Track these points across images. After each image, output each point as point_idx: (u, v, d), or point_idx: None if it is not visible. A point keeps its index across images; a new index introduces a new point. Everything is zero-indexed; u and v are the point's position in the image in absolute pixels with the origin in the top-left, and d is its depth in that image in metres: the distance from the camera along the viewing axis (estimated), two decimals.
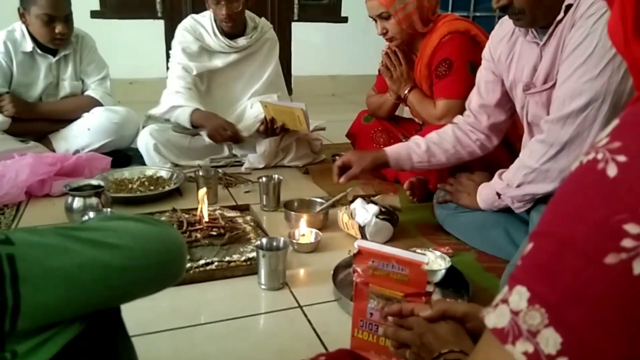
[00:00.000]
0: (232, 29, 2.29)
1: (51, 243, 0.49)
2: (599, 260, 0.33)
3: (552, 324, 0.34)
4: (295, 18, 4.28)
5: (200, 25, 2.32)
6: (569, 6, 1.26)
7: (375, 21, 1.93)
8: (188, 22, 2.35)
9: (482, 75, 1.59)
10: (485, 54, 1.58)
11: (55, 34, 2.13)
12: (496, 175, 1.47)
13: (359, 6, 4.34)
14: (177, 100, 2.21)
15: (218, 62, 2.34)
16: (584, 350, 0.33)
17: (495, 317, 0.37)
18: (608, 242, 0.33)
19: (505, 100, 1.56)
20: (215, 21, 2.31)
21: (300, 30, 4.32)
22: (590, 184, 0.36)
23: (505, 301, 0.37)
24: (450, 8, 4.25)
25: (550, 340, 0.34)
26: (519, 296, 0.36)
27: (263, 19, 2.46)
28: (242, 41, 2.33)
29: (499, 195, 1.45)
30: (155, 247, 0.57)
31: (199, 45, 2.30)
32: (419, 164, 1.65)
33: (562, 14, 1.27)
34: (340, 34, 4.42)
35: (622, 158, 0.35)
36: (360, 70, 4.55)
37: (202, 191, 1.59)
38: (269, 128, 2.19)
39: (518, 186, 1.36)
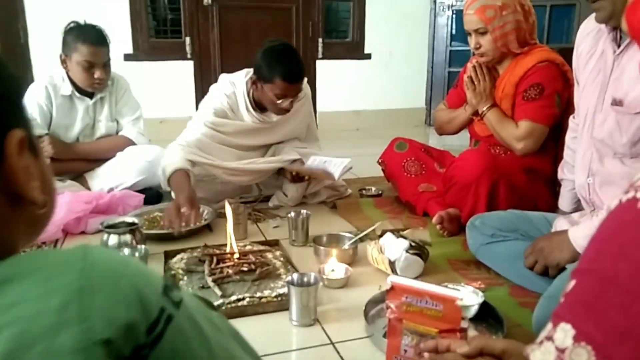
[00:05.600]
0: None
1: (204, 330, 0.48)
2: None
3: None
4: (320, 56, 4.37)
5: (236, 97, 2.18)
6: None
7: (470, 35, 1.94)
8: (228, 89, 2.17)
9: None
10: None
11: (94, 79, 2.24)
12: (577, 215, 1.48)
13: (382, 43, 4.48)
14: (176, 149, 2.04)
15: (252, 140, 2.24)
16: None
17: (540, 355, 0.38)
18: None
19: None
20: (248, 95, 2.16)
21: (324, 67, 4.41)
22: (630, 222, 0.36)
23: (550, 338, 0.38)
24: (545, 40, 4.07)
25: None
26: (564, 333, 0.37)
27: None
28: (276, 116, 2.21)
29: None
30: None
31: (231, 123, 2.18)
32: None
33: None
34: (363, 70, 4.50)
35: None
36: (384, 105, 4.62)
37: (230, 227, 1.61)
38: (295, 177, 2.21)
39: None
